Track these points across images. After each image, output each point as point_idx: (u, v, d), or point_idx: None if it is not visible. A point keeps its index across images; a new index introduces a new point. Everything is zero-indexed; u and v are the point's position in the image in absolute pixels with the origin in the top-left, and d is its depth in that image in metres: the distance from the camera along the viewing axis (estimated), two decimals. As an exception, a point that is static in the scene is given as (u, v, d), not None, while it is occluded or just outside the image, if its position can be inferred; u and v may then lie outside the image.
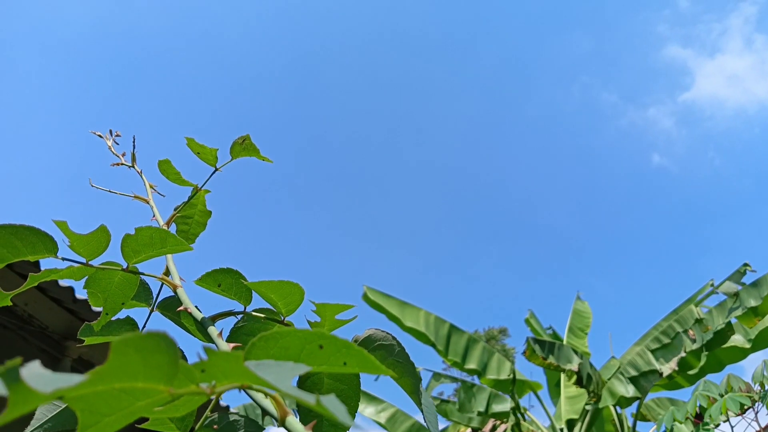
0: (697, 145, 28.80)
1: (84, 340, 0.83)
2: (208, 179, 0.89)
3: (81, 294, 3.72)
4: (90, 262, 0.72)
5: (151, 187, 0.94)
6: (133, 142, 0.96)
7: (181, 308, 0.76)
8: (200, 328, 0.80)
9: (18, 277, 3.54)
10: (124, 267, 0.74)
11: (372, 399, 6.04)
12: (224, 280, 0.74)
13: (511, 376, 5.40)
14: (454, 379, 6.34)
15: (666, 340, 4.89)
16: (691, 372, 4.97)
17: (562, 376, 5.70)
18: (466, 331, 6.06)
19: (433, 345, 5.94)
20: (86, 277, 0.74)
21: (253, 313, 0.75)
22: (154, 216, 0.89)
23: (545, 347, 4.77)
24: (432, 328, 5.94)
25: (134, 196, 0.91)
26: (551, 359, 4.68)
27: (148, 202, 0.91)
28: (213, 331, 0.70)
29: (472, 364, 5.81)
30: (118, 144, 1.00)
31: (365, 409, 5.90)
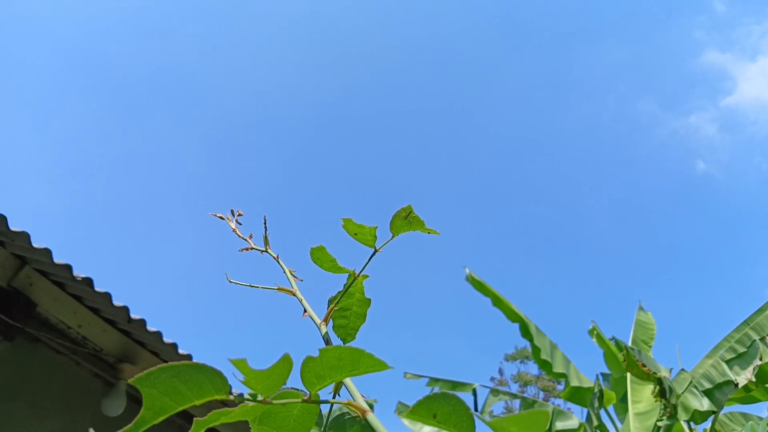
0: (742, 151, 28.06)
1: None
2: (368, 262, 0.72)
3: (136, 313, 3.61)
4: (268, 398, 0.56)
5: (291, 273, 0.77)
6: (264, 223, 0.79)
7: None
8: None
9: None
10: (306, 397, 0.57)
11: None
12: (441, 408, 0.57)
13: (597, 389, 5.14)
14: (512, 396, 6.13)
15: (741, 349, 4.63)
16: (768, 384, 4.70)
17: (629, 389, 5.46)
18: (548, 336, 5.87)
19: (531, 339, 5.74)
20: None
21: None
22: (305, 312, 0.72)
23: (636, 353, 4.53)
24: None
25: (278, 289, 0.74)
26: (647, 367, 4.44)
27: (294, 294, 0.74)
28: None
29: (559, 368, 5.59)
30: (241, 224, 0.84)
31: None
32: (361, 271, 0.73)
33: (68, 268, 3.20)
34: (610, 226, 30.00)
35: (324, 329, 0.71)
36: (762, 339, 4.65)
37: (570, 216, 29.61)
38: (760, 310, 4.96)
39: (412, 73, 27.52)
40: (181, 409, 0.55)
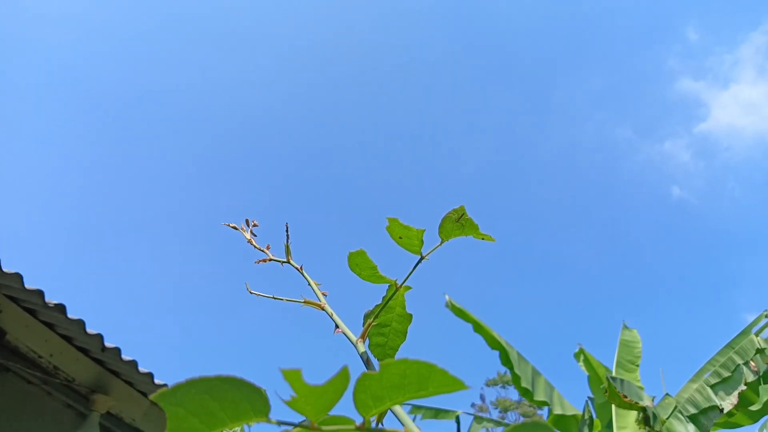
0: (716, 177, 28.86)
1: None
2: (412, 271, 0.64)
3: (110, 341, 3.45)
4: (316, 424, 0.47)
5: (317, 286, 0.69)
6: (286, 231, 0.71)
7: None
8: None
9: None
10: (359, 423, 0.49)
11: None
12: None
13: (588, 416, 5.07)
14: (496, 423, 6.04)
15: (726, 374, 4.61)
16: (753, 408, 4.68)
17: (614, 415, 5.39)
18: (530, 362, 5.79)
19: (512, 367, 5.64)
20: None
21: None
22: (337, 327, 0.64)
23: (617, 383, 4.46)
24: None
25: (304, 302, 0.66)
26: (628, 397, 4.37)
27: (323, 308, 0.66)
28: None
29: (541, 396, 5.50)
30: (256, 236, 0.76)
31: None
32: (404, 281, 0.65)
33: (40, 293, 3.06)
34: (589, 250, 30.37)
35: (361, 347, 0.63)
36: (746, 363, 4.64)
37: (549, 240, 29.91)
38: (743, 333, 4.96)
39: (396, 98, 27.83)
40: (211, 434, 0.46)
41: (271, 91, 26.45)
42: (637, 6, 25.56)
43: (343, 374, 0.45)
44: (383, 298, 0.66)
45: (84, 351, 3.56)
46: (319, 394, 0.46)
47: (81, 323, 3.24)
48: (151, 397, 0.43)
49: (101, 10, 20.72)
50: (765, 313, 4.98)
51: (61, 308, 3.15)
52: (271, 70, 25.92)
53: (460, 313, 5.99)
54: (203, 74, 24.40)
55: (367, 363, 0.63)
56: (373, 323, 0.65)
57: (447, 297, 6.04)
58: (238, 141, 26.18)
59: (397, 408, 0.56)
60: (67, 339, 3.49)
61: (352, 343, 0.63)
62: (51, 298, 3.12)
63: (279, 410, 0.50)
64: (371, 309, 0.66)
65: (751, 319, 5.14)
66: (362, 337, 0.63)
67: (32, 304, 3.17)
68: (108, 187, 23.73)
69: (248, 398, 0.45)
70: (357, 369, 0.51)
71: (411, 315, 0.67)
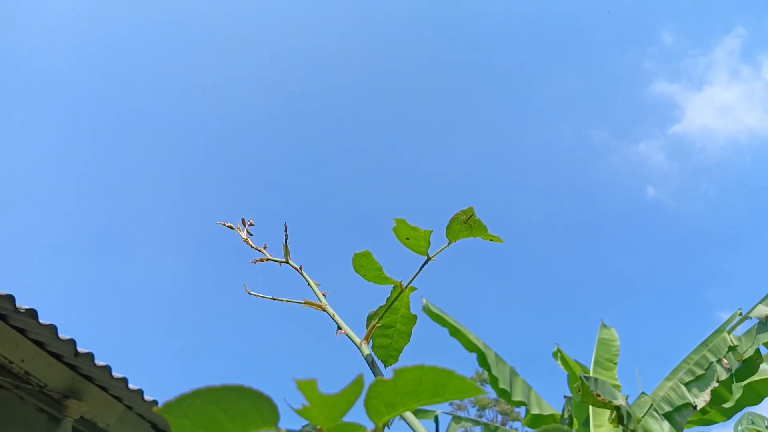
0: (690, 177, 29.40)
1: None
2: (419, 271, 0.63)
3: (83, 347, 3.38)
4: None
5: (317, 286, 0.67)
6: (285, 231, 0.69)
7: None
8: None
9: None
10: (370, 430, 0.47)
11: None
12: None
13: (567, 415, 5.11)
14: (474, 422, 6.05)
15: (699, 372, 4.67)
16: (726, 405, 4.75)
17: (591, 414, 5.44)
18: (508, 363, 5.82)
19: (489, 369, 5.67)
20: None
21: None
22: (339, 329, 0.62)
23: (590, 382, 4.49)
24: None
25: (305, 303, 0.64)
26: (602, 396, 4.40)
27: (324, 309, 0.64)
28: None
29: (518, 396, 5.54)
30: (252, 235, 0.74)
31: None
32: (410, 282, 0.63)
33: (11, 299, 2.98)
34: (565, 249, 30.68)
35: (366, 349, 0.61)
36: (719, 361, 4.71)
37: (525, 240, 30.12)
38: (718, 332, 5.05)
39: (373, 102, 27.91)
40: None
41: (271, 91, 26.35)
42: (613, 10, 25.99)
43: (358, 383, 0.43)
44: (387, 299, 0.64)
45: (56, 356, 3.48)
46: (332, 403, 0.44)
47: (53, 328, 3.17)
48: (155, 409, 0.41)
49: (91, 11, 20.42)
50: (739, 311, 5.07)
51: (32, 313, 3.08)
52: (272, 69, 25.79)
53: (437, 318, 6.00)
54: (194, 73, 24.14)
55: (372, 365, 0.61)
56: (378, 324, 0.63)
57: (425, 300, 6.04)
58: (235, 139, 25.99)
59: (409, 415, 0.54)
60: (39, 344, 3.41)
61: (356, 344, 0.61)
62: (22, 303, 3.05)
63: (286, 418, 0.48)
64: (375, 310, 0.64)
65: (725, 317, 5.24)
66: (366, 338, 0.61)
67: (2, 309, 3.09)
68: (86, 187, 23.38)
69: (256, 407, 0.44)
70: (358, 370, 0.49)
71: (415, 316, 0.65)
